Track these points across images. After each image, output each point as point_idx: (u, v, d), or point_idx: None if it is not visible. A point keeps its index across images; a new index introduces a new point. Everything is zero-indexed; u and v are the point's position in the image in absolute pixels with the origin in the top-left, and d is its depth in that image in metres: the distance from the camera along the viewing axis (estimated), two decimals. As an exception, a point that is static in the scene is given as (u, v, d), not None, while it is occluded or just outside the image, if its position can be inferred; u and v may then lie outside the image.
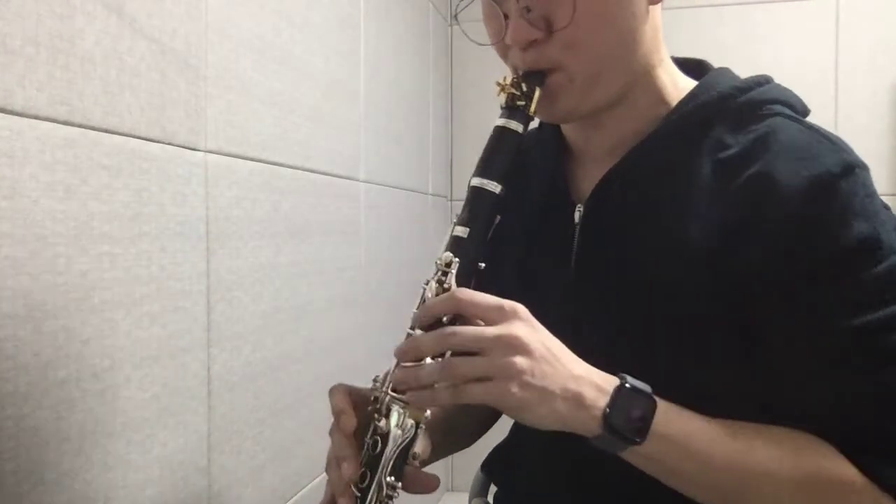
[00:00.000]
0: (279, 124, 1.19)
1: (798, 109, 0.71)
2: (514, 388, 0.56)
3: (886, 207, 0.65)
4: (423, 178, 2.16)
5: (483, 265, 0.64)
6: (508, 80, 0.67)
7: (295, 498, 1.27)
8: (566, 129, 0.79)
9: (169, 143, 0.90)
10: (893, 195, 2.16)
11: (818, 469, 0.60)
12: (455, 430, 0.86)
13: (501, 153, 0.66)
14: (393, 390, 0.62)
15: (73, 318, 0.74)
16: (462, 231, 0.64)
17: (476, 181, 0.65)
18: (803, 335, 0.62)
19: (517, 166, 0.71)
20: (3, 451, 0.66)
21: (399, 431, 0.62)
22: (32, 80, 0.69)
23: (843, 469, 0.60)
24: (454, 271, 0.62)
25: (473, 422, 0.92)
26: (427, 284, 0.63)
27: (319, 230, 1.35)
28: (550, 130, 0.81)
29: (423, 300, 0.63)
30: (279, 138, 1.19)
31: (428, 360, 0.60)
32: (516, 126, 0.66)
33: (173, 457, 0.92)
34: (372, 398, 0.64)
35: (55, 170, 0.72)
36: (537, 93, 0.66)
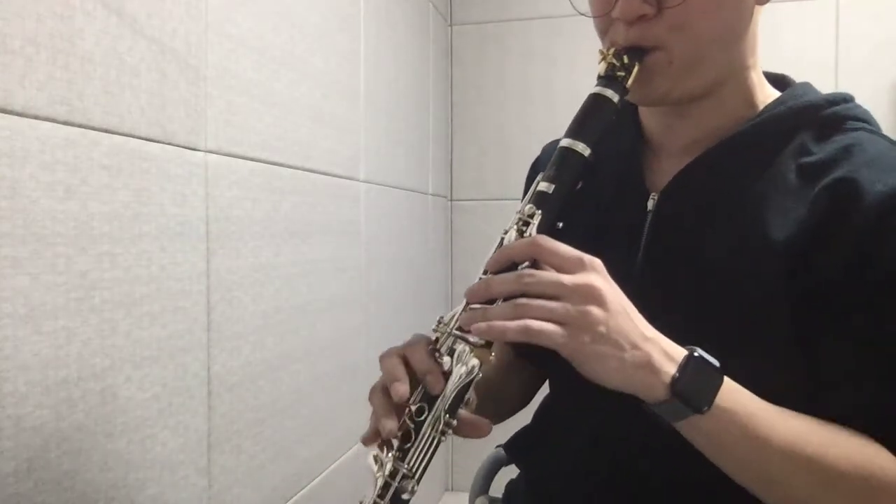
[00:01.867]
0: (279, 124, 1.19)
1: (878, 129, 0.73)
2: (587, 338, 0.56)
3: None
4: (423, 178, 2.16)
5: (561, 225, 0.64)
6: (611, 51, 0.67)
7: (295, 498, 1.27)
8: (647, 118, 0.79)
9: (169, 143, 0.90)
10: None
11: (874, 468, 0.61)
12: (495, 401, 0.85)
13: (594, 118, 0.66)
14: (459, 330, 0.61)
15: (73, 318, 0.74)
16: (546, 186, 0.64)
17: (566, 142, 0.65)
18: (866, 338, 0.62)
19: (597, 150, 0.71)
20: (3, 451, 0.66)
21: (463, 368, 0.60)
22: (32, 80, 0.69)
23: (892, 465, 0.61)
24: (536, 223, 0.62)
25: (514, 395, 0.91)
26: (506, 234, 0.63)
27: (319, 230, 1.35)
28: (629, 119, 0.80)
29: (500, 246, 0.63)
30: (279, 138, 1.19)
31: (499, 302, 0.59)
32: (612, 95, 0.66)
33: (173, 457, 0.92)
34: (434, 339, 0.63)
35: (55, 170, 0.72)
36: (636, 68, 0.67)
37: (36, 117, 0.69)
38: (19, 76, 0.67)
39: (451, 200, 2.48)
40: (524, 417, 0.98)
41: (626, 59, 0.66)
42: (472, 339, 0.60)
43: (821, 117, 0.71)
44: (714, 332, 0.64)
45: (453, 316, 0.62)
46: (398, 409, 0.62)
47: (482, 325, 0.58)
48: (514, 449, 0.92)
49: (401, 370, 0.62)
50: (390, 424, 0.61)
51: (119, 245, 0.81)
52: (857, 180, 0.64)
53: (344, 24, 1.48)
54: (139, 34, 0.84)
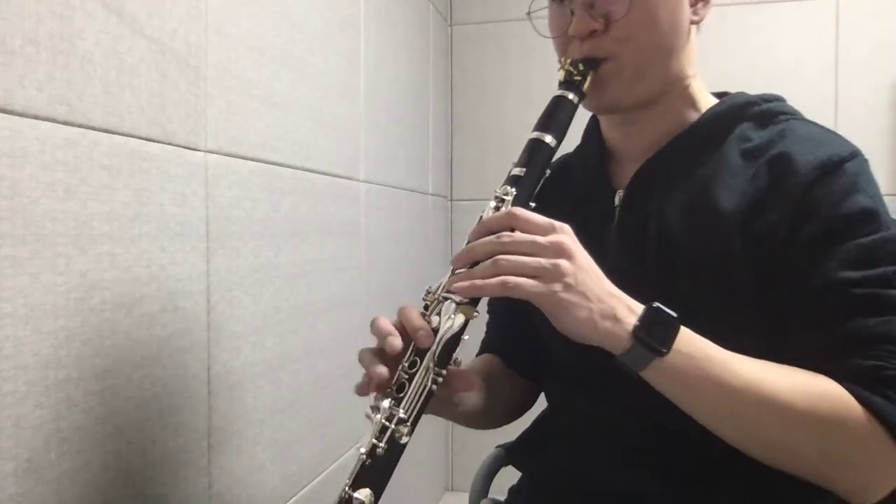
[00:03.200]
0: (279, 124, 1.19)
1: (810, 122, 0.82)
2: (558, 288, 0.64)
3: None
4: (423, 178, 2.16)
5: (534, 205, 0.73)
6: (568, 61, 0.78)
7: (295, 498, 1.27)
8: (608, 131, 0.89)
9: (169, 143, 0.90)
10: (893, 195, 2.16)
11: (823, 396, 0.67)
12: (489, 398, 0.91)
13: (558, 114, 0.77)
14: (446, 293, 0.68)
15: (73, 318, 0.74)
16: (519, 171, 0.74)
17: (535, 134, 0.76)
18: (810, 286, 0.71)
19: (564, 172, 0.90)
20: (3, 451, 0.66)
21: (449, 322, 0.67)
22: (32, 80, 0.69)
23: (844, 398, 0.67)
24: (510, 199, 0.72)
25: (507, 402, 0.97)
26: (484, 211, 0.72)
27: (319, 230, 1.35)
28: (594, 135, 0.91)
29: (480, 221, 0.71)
30: (279, 138, 1.19)
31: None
32: (572, 97, 0.77)
33: (173, 457, 0.92)
34: (423, 306, 0.70)
35: (55, 170, 0.72)
36: (590, 75, 0.77)
37: (36, 117, 0.69)
38: (19, 76, 0.67)
39: (451, 200, 2.48)
40: (523, 422, 1.00)
41: (581, 66, 0.77)
42: (456, 298, 0.67)
43: (757, 111, 0.81)
44: (681, 296, 0.70)
45: (440, 284, 0.70)
46: (393, 365, 0.68)
47: (464, 283, 0.66)
48: (515, 454, 0.98)
49: (392, 328, 0.69)
50: (381, 369, 0.67)
51: (119, 245, 0.81)
52: (791, 154, 0.74)
53: (344, 24, 1.48)
54: (139, 34, 0.84)
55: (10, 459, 0.67)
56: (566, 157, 0.96)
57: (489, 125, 2.44)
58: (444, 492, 2.49)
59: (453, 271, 0.69)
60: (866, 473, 0.68)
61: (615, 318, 0.65)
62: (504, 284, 0.63)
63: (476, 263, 0.67)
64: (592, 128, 0.92)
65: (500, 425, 0.98)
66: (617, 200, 0.83)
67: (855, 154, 0.74)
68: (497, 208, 0.71)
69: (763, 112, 0.81)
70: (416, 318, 0.68)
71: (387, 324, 0.69)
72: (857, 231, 0.71)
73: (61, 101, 0.72)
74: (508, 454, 1.00)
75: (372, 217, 1.64)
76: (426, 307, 0.70)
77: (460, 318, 0.67)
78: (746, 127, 0.80)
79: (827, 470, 0.68)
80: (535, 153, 0.75)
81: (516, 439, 0.99)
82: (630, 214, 0.82)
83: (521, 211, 0.68)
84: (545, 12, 0.84)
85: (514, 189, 0.72)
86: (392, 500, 0.71)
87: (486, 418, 0.92)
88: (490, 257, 0.66)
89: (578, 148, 0.95)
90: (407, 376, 0.67)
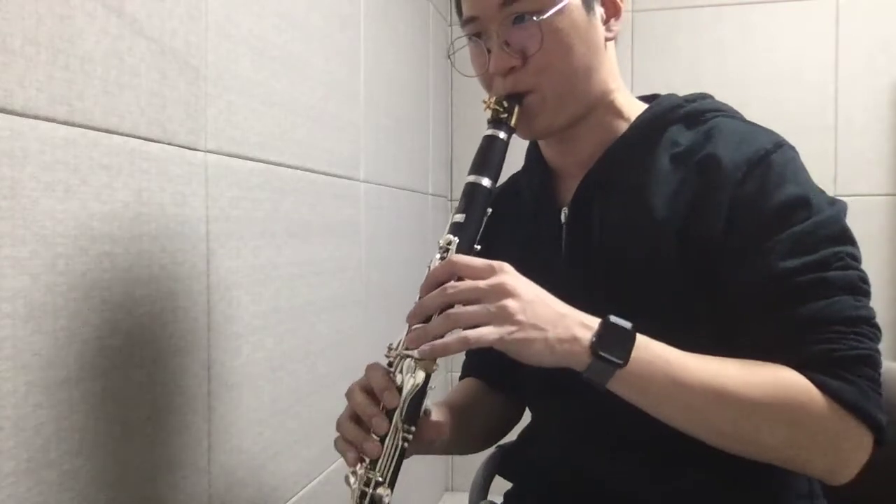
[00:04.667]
0: (279, 124, 1.19)
1: (736, 116, 0.85)
2: (510, 328, 0.66)
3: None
4: (423, 178, 2.16)
5: (479, 247, 0.76)
6: (493, 100, 0.81)
7: (295, 498, 1.27)
8: (545, 150, 0.92)
9: (169, 143, 0.90)
10: (893, 195, 2.16)
11: (783, 386, 0.69)
12: (472, 426, 0.94)
13: (491, 155, 0.80)
14: (406, 350, 0.72)
15: (73, 318, 0.74)
16: (460, 217, 0.77)
17: (471, 178, 0.79)
18: (751, 281, 0.73)
19: (511, 191, 0.96)
20: (3, 451, 0.66)
21: (412, 380, 0.71)
22: (32, 80, 0.69)
23: (802, 384, 0.69)
24: (454, 248, 0.74)
25: (484, 428, 0.99)
26: (431, 263, 0.74)
27: (319, 230, 1.35)
28: (535, 156, 0.94)
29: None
30: (279, 138, 1.20)
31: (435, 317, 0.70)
32: (502, 135, 0.80)
33: (173, 457, 0.92)
34: (387, 363, 0.74)
35: (55, 170, 0.72)
36: (517, 109, 0.80)
37: (36, 117, 0.69)
38: (19, 76, 0.67)
39: (451, 200, 2.48)
40: (523, 424, 1.00)
41: (506, 104, 0.80)
42: (416, 354, 0.70)
43: (683, 113, 0.84)
44: (630, 305, 0.72)
45: (400, 340, 0.73)
46: (365, 429, 0.73)
47: (426, 347, 0.69)
48: (504, 466, 1.01)
49: (372, 406, 0.73)
50: (375, 449, 0.71)
51: (119, 245, 0.81)
52: (717, 154, 0.77)
53: (344, 24, 1.48)
54: (139, 34, 0.84)
55: (10, 459, 0.67)
56: (514, 176, 1.02)
57: (489, 125, 2.43)
58: (443, 492, 2.49)
59: (410, 327, 0.72)
60: (835, 454, 0.70)
61: (572, 339, 0.68)
62: (465, 341, 0.66)
63: (430, 318, 0.70)
64: (532, 149, 0.95)
65: (489, 446, 1.01)
66: (563, 217, 0.86)
67: (779, 144, 0.77)
68: (442, 258, 0.74)
69: (689, 113, 0.83)
70: (380, 380, 0.73)
71: (361, 398, 0.74)
72: (791, 220, 0.73)
73: (61, 101, 0.72)
74: (499, 467, 1.03)
75: (372, 217, 1.64)
76: (390, 364, 0.73)
77: (421, 375, 0.71)
78: (675, 131, 0.83)
79: (797, 456, 0.71)
80: (473, 198, 0.77)
81: (504, 453, 1.02)
82: (575, 228, 0.85)
83: (459, 258, 0.71)
84: (466, 52, 0.88)
85: (456, 238, 0.75)
86: (392, 499, 0.72)
87: (470, 446, 0.96)
88: (440, 310, 0.69)
89: (523, 169, 0.99)
90: (378, 438, 0.71)
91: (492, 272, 0.69)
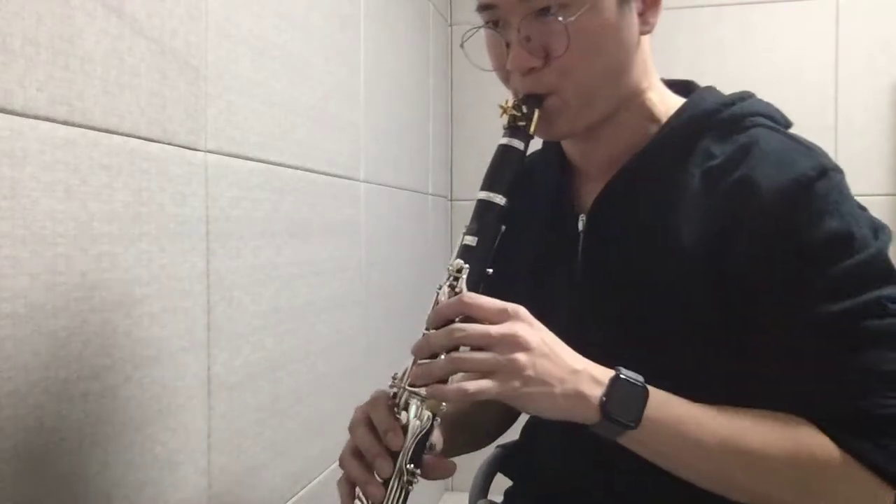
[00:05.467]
0: (279, 124, 1.19)
1: (779, 121, 0.78)
2: (517, 383, 0.62)
3: (862, 208, 0.71)
4: (423, 178, 2.16)
5: (491, 271, 0.70)
6: (510, 104, 0.73)
7: (295, 498, 1.27)
8: (567, 146, 0.85)
9: (169, 143, 0.90)
10: (893, 195, 2.16)
11: (800, 445, 0.65)
12: (471, 426, 0.91)
13: (505, 169, 0.73)
14: (411, 385, 0.68)
15: (73, 318, 0.74)
16: (471, 240, 0.70)
17: (483, 195, 0.72)
18: (784, 323, 0.67)
19: (526, 182, 0.80)
20: (3, 451, 0.66)
21: (417, 422, 0.67)
22: (32, 80, 0.69)
23: (823, 444, 0.65)
24: (465, 276, 0.68)
25: (489, 420, 0.96)
26: (440, 289, 0.69)
27: (319, 230, 1.35)
28: (554, 149, 0.87)
29: (436, 303, 0.69)
30: (279, 138, 1.19)
31: (442, 356, 0.66)
32: (518, 144, 0.73)
33: (173, 457, 0.92)
34: (391, 394, 0.70)
35: (55, 170, 0.72)
36: (536, 114, 0.73)
37: (36, 117, 0.69)
38: (19, 76, 0.67)
39: (451, 200, 2.48)
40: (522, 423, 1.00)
41: (524, 109, 0.73)
42: (423, 392, 0.67)
43: (719, 120, 0.76)
44: (647, 336, 0.69)
45: (406, 370, 0.69)
46: (368, 468, 0.69)
47: (430, 388, 0.65)
48: (507, 465, 0.98)
49: (377, 445, 0.69)
50: (378, 494, 0.67)
51: (119, 245, 0.81)
52: (754, 178, 0.69)
53: (344, 24, 1.48)
54: (139, 34, 0.84)
55: (10, 459, 0.67)
56: (531, 159, 0.88)
57: (489, 125, 2.43)
58: (443, 492, 2.49)
59: (415, 359, 0.68)
60: None
61: (580, 396, 0.64)
62: (464, 393, 0.62)
63: (436, 354, 0.67)
64: (551, 143, 0.89)
65: (495, 439, 0.99)
66: (580, 226, 0.80)
67: (824, 170, 0.68)
68: (451, 286, 0.69)
69: (726, 120, 0.76)
70: (384, 419, 0.69)
71: (364, 435, 0.69)
72: (832, 259, 0.66)
73: (61, 101, 0.72)
74: (501, 465, 1.01)
75: (372, 217, 1.64)
76: (395, 395, 0.69)
77: (427, 415, 0.68)
78: (709, 141, 0.75)
79: None
80: (484, 217, 0.71)
81: (506, 451, 1.00)
82: (593, 239, 0.79)
83: (472, 298, 0.66)
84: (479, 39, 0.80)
85: (466, 266, 0.69)
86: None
87: (473, 448, 0.93)
88: (446, 350, 0.65)
89: (540, 154, 0.91)
90: (381, 481, 0.67)
91: (505, 317, 0.64)
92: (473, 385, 0.63)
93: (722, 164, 0.72)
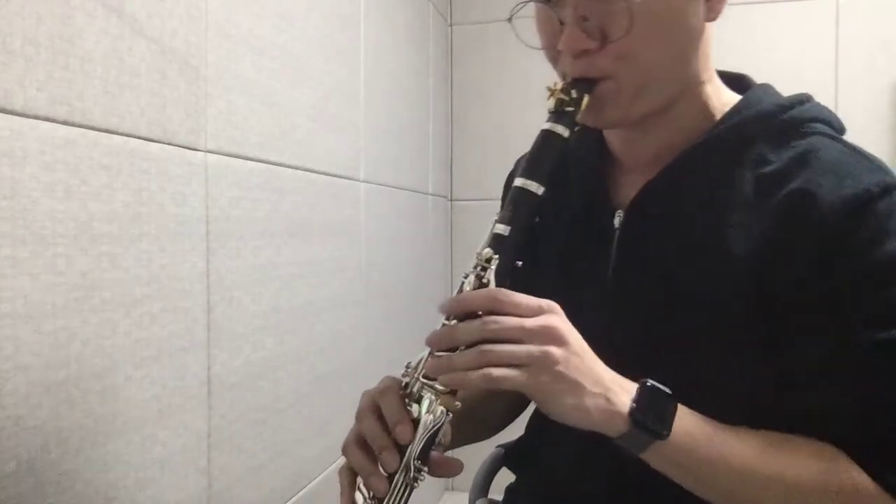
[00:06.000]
0: (279, 124, 1.19)
1: (836, 127, 0.74)
2: (547, 377, 0.59)
3: None
4: (423, 178, 2.16)
5: (520, 263, 0.66)
6: (559, 86, 0.68)
7: (295, 498, 1.27)
8: (610, 136, 0.80)
9: (169, 143, 0.90)
10: (893, 195, 2.15)
11: (831, 473, 0.62)
12: (477, 419, 0.87)
13: (546, 156, 0.67)
14: (425, 377, 0.64)
15: (73, 318, 0.74)
16: (503, 229, 0.65)
17: (520, 181, 0.66)
18: (826, 344, 0.64)
19: (559, 170, 0.73)
20: (3, 451, 0.66)
21: (430, 417, 0.63)
22: (32, 80, 0.69)
23: (856, 476, 0.62)
24: (493, 268, 0.64)
25: (495, 414, 0.93)
26: (466, 278, 0.65)
27: (319, 230, 1.35)
28: (593, 137, 0.82)
29: (460, 292, 0.65)
30: (279, 138, 1.19)
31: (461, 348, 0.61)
32: (562, 130, 0.67)
33: (173, 457, 0.92)
34: (403, 384, 0.66)
35: (55, 170, 0.72)
36: (585, 99, 0.68)
37: (36, 117, 0.69)
38: (19, 76, 0.67)
39: (451, 200, 2.48)
40: (523, 422, 0.99)
41: (573, 94, 0.67)
42: (438, 386, 0.63)
43: (777, 124, 0.71)
44: (679, 344, 0.66)
45: (420, 360, 0.65)
46: (373, 458, 0.65)
47: (446, 376, 0.61)
48: (512, 459, 0.94)
49: (384, 437, 0.65)
50: (381, 486, 0.63)
51: (119, 245, 0.81)
52: (812, 191, 0.65)
53: (344, 24, 1.48)
54: (139, 34, 0.84)
55: (10, 459, 0.67)
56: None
57: (489, 125, 2.44)
58: (443, 492, 2.49)
59: (432, 352, 0.63)
60: None
61: (608, 402, 0.60)
62: (489, 378, 0.58)
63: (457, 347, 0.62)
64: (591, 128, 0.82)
65: (502, 429, 0.96)
66: (616, 222, 0.75)
67: (887, 189, 0.64)
68: (479, 277, 0.64)
69: (783, 124, 0.71)
70: (395, 410, 0.64)
71: (372, 425, 0.65)
72: (888, 283, 0.62)
73: (61, 101, 0.72)
74: (505, 459, 0.99)
75: (372, 217, 1.64)
76: (406, 385, 0.65)
77: (440, 411, 0.64)
78: (764, 145, 0.70)
79: None
80: (520, 206, 0.66)
81: (511, 445, 0.96)
82: (630, 238, 0.74)
83: (504, 295, 0.61)
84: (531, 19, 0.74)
85: (496, 256, 0.64)
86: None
87: (486, 432, 0.90)
88: (473, 343, 0.60)
89: (576, 141, 0.83)
90: (387, 475, 0.64)
91: (539, 311, 0.60)
92: (500, 371, 0.58)
93: (777, 171, 0.68)
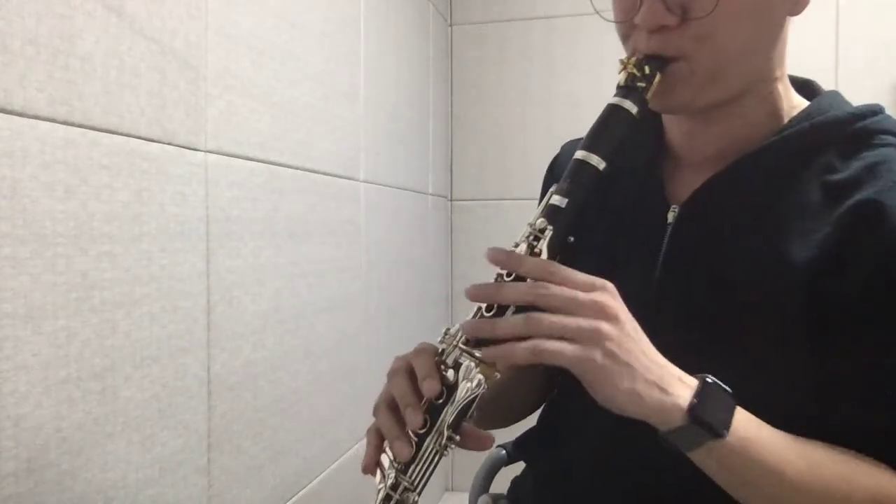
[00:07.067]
0: (279, 124, 1.19)
1: None
2: (598, 355, 0.55)
3: None
4: (423, 178, 2.16)
5: (572, 239, 0.63)
6: (632, 60, 0.66)
7: (295, 498, 1.27)
8: (670, 127, 0.78)
9: (169, 143, 0.90)
10: (893, 195, 2.15)
11: (880, 486, 0.60)
12: (505, 402, 0.84)
13: (610, 130, 0.65)
14: (465, 342, 0.61)
15: (73, 318, 0.74)
16: (559, 200, 0.62)
17: (581, 154, 0.63)
18: (879, 358, 0.62)
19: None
20: (3, 451, 0.66)
21: (468, 385, 0.60)
22: (32, 80, 0.69)
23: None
24: (547, 238, 0.61)
25: (522, 402, 0.91)
26: (516, 247, 0.62)
27: (319, 230, 1.35)
28: (652, 127, 0.79)
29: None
30: (279, 138, 1.20)
31: (509, 313, 0.59)
32: (630, 106, 0.64)
33: (173, 457, 0.92)
34: (440, 350, 0.63)
35: (55, 170, 0.72)
36: (657, 78, 0.65)
37: (36, 117, 0.69)
38: (19, 76, 0.67)
39: (451, 200, 2.48)
40: (524, 421, 0.99)
41: (647, 70, 0.65)
42: (477, 354, 0.59)
43: (847, 133, 0.69)
44: (728, 350, 0.64)
45: (459, 329, 0.62)
46: (402, 421, 0.61)
47: (491, 349, 0.58)
48: (523, 447, 0.92)
49: (411, 395, 0.62)
50: (405, 451, 0.60)
51: (119, 245, 0.81)
52: (882, 202, 0.63)
53: (344, 24, 1.48)
54: (139, 34, 0.84)
55: (10, 459, 0.67)
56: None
57: (489, 125, 2.44)
58: (443, 492, 2.49)
59: (477, 308, 0.61)
60: None
61: (664, 391, 0.57)
62: (538, 351, 0.55)
63: (499, 308, 0.59)
64: (652, 117, 0.78)
65: (522, 419, 0.93)
66: (670, 218, 0.73)
67: None
68: (531, 246, 0.61)
69: (854, 134, 0.69)
70: (425, 365, 0.61)
71: (403, 387, 0.62)
72: None
73: (61, 101, 0.72)
74: (516, 448, 0.95)
75: (372, 217, 1.64)
76: (443, 351, 0.62)
77: (479, 378, 0.60)
78: (833, 154, 0.68)
79: None
80: (578, 178, 0.63)
81: (523, 434, 0.93)
82: (683, 234, 0.71)
83: (558, 268, 0.58)
84: None
85: (550, 227, 0.61)
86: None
87: (506, 421, 0.88)
88: (520, 303, 0.58)
89: (634, 135, 0.84)
90: (416, 438, 0.60)
91: (592, 287, 0.58)
92: (550, 345, 0.55)
93: (846, 179, 0.66)
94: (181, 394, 0.93)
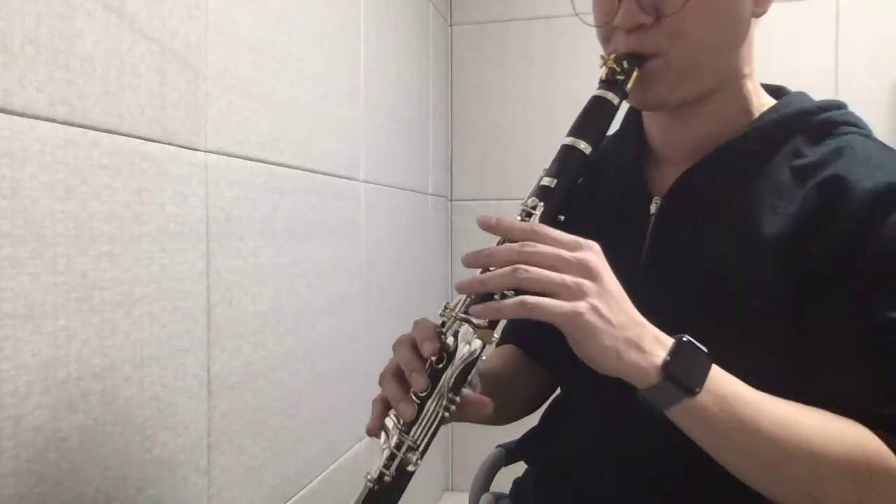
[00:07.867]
0: (279, 124, 1.19)
1: (871, 136, 0.77)
2: (583, 308, 0.58)
3: None
4: (423, 178, 2.16)
5: (563, 218, 0.68)
6: (612, 56, 0.72)
7: (295, 498, 1.27)
8: (650, 126, 0.84)
9: (169, 143, 0.90)
10: (893, 195, 2.15)
11: (857, 443, 0.63)
12: (505, 393, 0.86)
13: (594, 118, 0.71)
14: (464, 314, 0.64)
15: (73, 318, 0.74)
16: (549, 181, 0.68)
17: (568, 140, 0.70)
18: (853, 322, 0.65)
19: (598, 165, 0.79)
20: (3, 451, 0.66)
21: (466, 347, 0.64)
22: (32, 80, 0.69)
23: (879, 448, 0.63)
24: (538, 214, 0.66)
25: (516, 400, 0.93)
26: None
27: (319, 230, 1.35)
28: (633, 129, 0.85)
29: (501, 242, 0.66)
30: (279, 138, 1.20)
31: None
32: (612, 98, 0.71)
33: (173, 457, 0.92)
34: (440, 323, 0.66)
35: (55, 170, 0.72)
36: (635, 73, 0.71)
37: (36, 117, 0.69)
38: (19, 76, 0.67)
39: (451, 200, 2.48)
40: (524, 421, 0.99)
41: (625, 64, 0.71)
42: (475, 320, 0.63)
43: (814, 123, 0.75)
44: (712, 326, 0.66)
45: (458, 302, 0.66)
46: (406, 388, 0.65)
47: (480, 306, 0.61)
48: (524, 447, 0.94)
49: (415, 360, 0.65)
50: (409, 410, 0.64)
51: (119, 245, 0.81)
52: (846, 178, 0.68)
53: (344, 24, 1.48)
54: (139, 34, 0.84)
55: (10, 459, 0.67)
56: (605, 142, 0.85)
57: (489, 125, 2.44)
58: (443, 492, 2.49)
59: (468, 295, 0.65)
60: None
61: (641, 350, 0.60)
62: (523, 305, 0.58)
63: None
64: (633, 117, 0.86)
65: (519, 419, 0.95)
66: (653, 209, 0.78)
67: None
68: (523, 221, 0.66)
69: (820, 124, 0.75)
70: (425, 329, 0.65)
71: (409, 355, 0.66)
72: None
73: (61, 101, 0.72)
74: (518, 447, 0.97)
75: (372, 217, 1.64)
76: (443, 324, 0.66)
77: (477, 343, 0.64)
78: (800, 141, 0.74)
79: None
80: (567, 162, 0.68)
81: (525, 434, 0.96)
82: (665, 224, 0.77)
83: (544, 228, 0.63)
84: None
85: (541, 203, 0.66)
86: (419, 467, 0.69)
87: (502, 418, 0.89)
88: (509, 263, 0.60)
89: (615, 137, 0.88)
90: (418, 401, 0.64)
91: (578, 247, 0.61)
92: (534, 300, 0.58)
93: (813, 162, 0.71)
94: (181, 394, 0.93)
